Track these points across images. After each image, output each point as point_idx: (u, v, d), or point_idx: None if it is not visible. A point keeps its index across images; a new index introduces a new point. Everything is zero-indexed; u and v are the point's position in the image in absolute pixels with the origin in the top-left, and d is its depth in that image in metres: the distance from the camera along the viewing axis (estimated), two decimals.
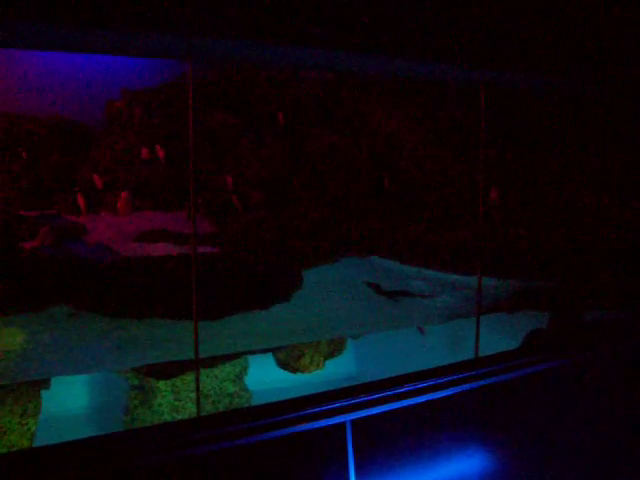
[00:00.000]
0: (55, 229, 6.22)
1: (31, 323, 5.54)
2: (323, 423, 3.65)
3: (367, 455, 3.73)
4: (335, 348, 6.83)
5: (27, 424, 5.67)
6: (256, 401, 6.85)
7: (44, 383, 5.78)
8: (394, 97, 8.90)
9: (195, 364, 5.86)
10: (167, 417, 6.54)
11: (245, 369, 6.77)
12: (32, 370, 5.51)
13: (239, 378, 6.76)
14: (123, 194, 7.34)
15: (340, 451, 3.72)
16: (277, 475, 3.58)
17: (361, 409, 3.70)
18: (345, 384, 4.26)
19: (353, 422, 3.65)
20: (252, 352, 6.17)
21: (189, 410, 6.52)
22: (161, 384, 6.34)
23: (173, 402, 6.47)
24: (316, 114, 8.57)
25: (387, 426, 3.81)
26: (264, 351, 6.40)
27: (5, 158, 7.94)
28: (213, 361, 6.15)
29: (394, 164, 8.43)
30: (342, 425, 3.69)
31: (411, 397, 3.92)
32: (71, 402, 6.54)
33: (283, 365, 6.66)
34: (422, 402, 3.96)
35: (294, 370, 6.63)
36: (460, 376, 4.19)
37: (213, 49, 6.32)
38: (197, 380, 5.11)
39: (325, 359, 6.78)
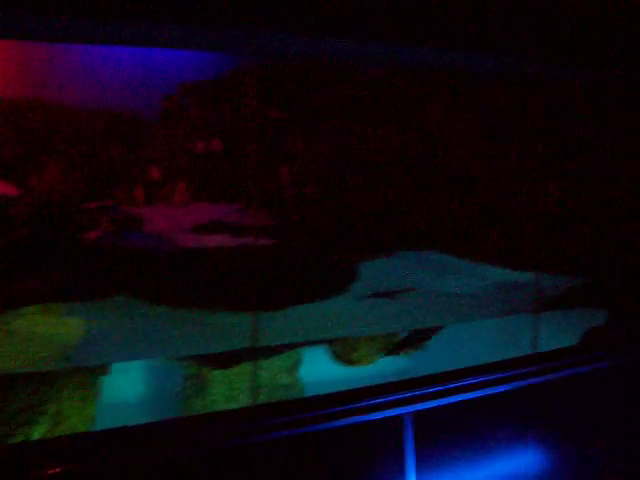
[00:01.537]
0: (115, 220, 6.35)
1: (92, 311, 5.68)
2: (381, 415, 3.64)
3: (425, 448, 3.71)
4: (389, 342, 6.82)
5: (86, 409, 5.81)
6: (309, 393, 6.87)
7: (103, 369, 5.91)
8: (447, 90, 8.81)
9: (252, 354, 5.92)
10: (221, 407, 6.62)
11: (299, 361, 6.80)
12: (92, 356, 5.65)
13: (293, 370, 6.79)
14: (179, 186, 7.44)
15: (398, 444, 3.70)
16: (333, 466, 3.59)
17: (420, 402, 3.68)
18: (397, 379, 4.24)
19: (412, 415, 3.63)
20: (307, 344, 6.20)
21: (243, 401, 6.58)
22: (216, 374, 6.41)
23: (227, 392, 6.54)
24: (368, 108, 8.53)
25: (446, 420, 3.78)
26: (319, 343, 6.43)
27: (65, 151, 8.13)
28: (268, 352, 6.20)
29: (449, 157, 8.35)
30: (401, 418, 3.67)
31: (470, 391, 3.88)
32: (127, 389, 6.67)
33: (337, 357, 6.68)
34: (481, 396, 3.91)
35: (348, 363, 6.63)
36: (519, 371, 4.13)
37: (270, 43, 6.34)
38: (254, 370, 5.16)
39: (379, 353, 6.77)
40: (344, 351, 6.63)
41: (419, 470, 3.70)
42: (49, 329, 5.68)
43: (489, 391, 3.85)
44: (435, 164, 8.25)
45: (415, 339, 7.07)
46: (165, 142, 8.12)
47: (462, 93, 8.69)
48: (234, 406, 6.58)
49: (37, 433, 5.64)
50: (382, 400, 3.62)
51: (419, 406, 3.61)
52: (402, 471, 3.68)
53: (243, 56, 8.50)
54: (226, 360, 5.97)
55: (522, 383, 4.04)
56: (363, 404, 3.70)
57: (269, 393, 6.76)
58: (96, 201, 7.32)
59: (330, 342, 6.61)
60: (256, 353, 6.02)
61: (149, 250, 5.99)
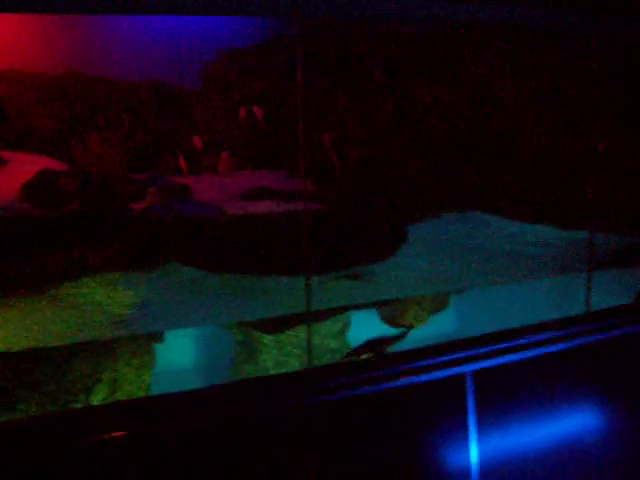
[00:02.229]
0: (162, 189, 6.41)
1: (144, 280, 5.76)
2: (442, 374, 3.63)
3: (486, 407, 3.69)
4: (438, 304, 6.79)
5: (142, 376, 5.93)
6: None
7: (157, 337, 6.01)
8: (498, 49, 8.62)
9: (306, 318, 5.95)
10: (271, 372, 6.69)
11: (347, 325, 6.82)
12: (146, 324, 5.74)
13: (341, 334, 6.82)
14: (223, 154, 7.46)
15: (459, 403, 3.69)
16: (394, 426, 3.59)
17: (481, 360, 3.66)
18: (444, 340, 4.21)
19: (473, 373, 3.61)
20: (356, 307, 6.21)
21: (293, 365, 6.63)
22: (266, 339, 6.47)
23: (277, 357, 6.60)
24: (414, 69, 8.40)
25: (505, 379, 3.75)
26: (368, 306, 6.43)
27: (108, 124, 8.20)
28: (317, 316, 6.22)
29: (497, 118, 8.20)
30: (462, 376, 3.65)
31: (528, 349, 3.84)
32: (180, 356, 6.79)
33: (386, 321, 6.68)
34: (538, 355, 3.87)
35: (397, 326, 6.63)
36: (579, 329, 4.07)
37: (315, 5, 6.26)
38: (309, 333, 5.19)
39: (428, 315, 6.75)
40: (393, 314, 6.63)
41: (480, 429, 3.69)
42: (104, 299, 5.78)
43: (548, 349, 3.81)
44: (484, 124, 8.11)
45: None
46: (208, 111, 8.13)
47: (512, 51, 8.49)
48: (284, 371, 6.64)
49: (95, 399, 5.78)
50: (443, 359, 3.61)
51: (480, 364, 3.59)
52: (465, 430, 3.67)
53: (285, 21, 8.43)
54: (277, 325, 6.02)
55: (581, 341, 3.99)
56: (423, 363, 3.69)
57: (318, 357, 6.80)
58: (142, 172, 7.39)
59: (379, 305, 6.60)
60: (306, 317, 6.04)
61: (198, 219, 6.03)
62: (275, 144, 7.63)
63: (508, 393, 3.75)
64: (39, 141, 8.58)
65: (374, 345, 6.07)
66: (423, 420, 3.63)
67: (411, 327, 6.57)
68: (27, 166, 7.83)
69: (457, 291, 7.06)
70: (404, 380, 3.63)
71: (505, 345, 3.78)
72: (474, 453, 3.68)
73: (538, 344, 3.88)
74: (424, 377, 3.64)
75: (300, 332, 6.47)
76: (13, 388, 5.51)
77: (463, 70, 8.61)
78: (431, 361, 3.66)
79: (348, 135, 7.73)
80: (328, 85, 8.15)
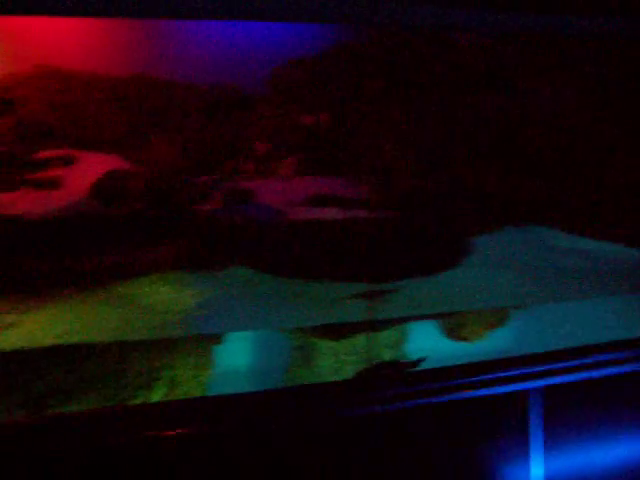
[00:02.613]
0: (226, 193, 6.48)
1: (205, 281, 5.83)
2: (503, 389, 3.56)
3: (549, 426, 3.61)
4: (498, 319, 6.67)
5: (200, 376, 5.98)
6: (415, 368, 6.82)
7: (217, 338, 6.07)
8: (558, 60, 8.46)
9: (361, 327, 5.93)
10: (326, 379, 6.67)
11: (405, 335, 6.75)
12: (206, 325, 5.81)
13: (398, 345, 6.75)
14: (287, 160, 7.50)
15: (520, 419, 3.61)
16: (453, 439, 3.54)
17: (544, 377, 3.57)
18: (502, 355, 4.11)
19: (540, 390, 3.53)
20: (414, 318, 6.15)
21: (348, 373, 6.61)
22: (322, 345, 6.46)
23: (333, 364, 6.58)
24: (473, 79, 8.32)
25: (570, 397, 3.66)
26: (426, 317, 6.37)
27: (174, 127, 8.34)
28: (376, 325, 6.19)
29: (561, 131, 8.04)
30: (525, 393, 3.58)
31: (595, 368, 3.73)
32: (238, 358, 6.82)
33: (445, 333, 6.59)
34: (606, 375, 3.76)
35: (457, 338, 6.54)
36: None
37: (374, 13, 6.24)
38: (362, 343, 5.16)
39: (487, 329, 6.64)
40: (453, 326, 6.54)
41: (543, 447, 3.60)
42: (166, 298, 5.87)
43: (618, 369, 3.70)
44: (548, 137, 7.97)
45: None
46: (272, 116, 8.20)
47: (572, 62, 8.33)
48: (339, 378, 6.62)
49: (154, 397, 5.86)
50: (505, 374, 3.54)
51: (543, 382, 3.51)
52: (525, 447, 3.59)
53: (352, 29, 8.45)
54: (335, 332, 6.01)
55: None
56: (484, 377, 3.63)
57: (374, 367, 6.75)
58: (205, 175, 7.50)
59: (439, 317, 6.53)
60: (365, 326, 6.02)
61: (261, 223, 6.08)
62: (338, 151, 7.64)
63: (573, 412, 3.65)
64: (106, 142, 8.80)
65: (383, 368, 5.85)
66: (481, 434, 3.57)
67: (471, 340, 6.48)
68: (95, 165, 8.03)
69: (518, 306, 6.93)
70: (462, 394, 3.57)
71: (571, 363, 3.68)
72: (536, 472, 3.60)
73: (606, 363, 3.77)
74: (484, 391, 3.58)
75: (357, 340, 6.44)
76: (72, 382, 5.63)
77: (526, 81, 8.48)
78: (492, 376, 3.59)
79: (410, 144, 7.69)
80: (392, 93, 8.13)
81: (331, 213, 6.39)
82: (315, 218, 6.21)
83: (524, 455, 3.59)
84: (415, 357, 6.90)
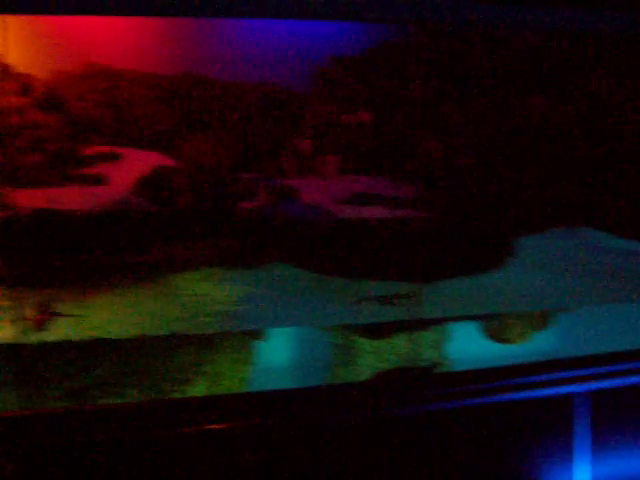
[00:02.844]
0: (271, 190, 6.52)
1: (249, 277, 5.88)
2: (547, 392, 3.51)
3: (596, 430, 3.54)
4: (543, 321, 6.58)
5: (241, 371, 6.03)
6: (455, 369, 6.77)
7: (258, 334, 6.11)
8: (613, 57, 8.29)
9: (403, 326, 5.91)
10: (367, 378, 6.66)
11: (446, 336, 6.70)
12: (248, 321, 5.85)
13: (440, 345, 6.70)
14: (330, 158, 7.51)
15: (564, 423, 3.56)
16: (494, 441, 3.50)
17: (591, 381, 3.51)
18: (546, 358, 4.06)
19: (582, 394, 3.47)
20: (457, 319, 6.11)
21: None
22: (364, 344, 6.45)
23: (374, 363, 6.56)
24: (529, 79, 8.20)
25: (620, 401, 3.59)
26: (470, 318, 6.31)
27: (218, 124, 8.41)
28: (416, 325, 6.16)
29: (612, 133, 7.88)
30: (569, 396, 3.52)
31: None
32: (279, 354, 6.85)
33: (488, 334, 6.53)
34: None
35: (499, 340, 6.47)
36: None
37: (438, 12, 6.20)
38: (403, 343, 5.14)
39: (532, 331, 6.55)
40: (496, 328, 6.47)
41: (584, 449, 3.54)
42: (209, 293, 5.93)
43: None
44: (598, 138, 7.81)
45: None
46: (316, 115, 8.21)
47: (628, 60, 8.15)
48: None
49: (195, 391, 5.93)
50: (549, 377, 3.49)
51: (593, 385, 3.44)
52: (570, 451, 3.53)
53: (398, 27, 8.41)
54: (377, 331, 6.00)
55: None
56: (528, 380, 3.58)
57: (414, 367, 6.72)
58: (250, 173, 7.54)
59: (482, 318, 6.47)
60: (407, 325, 6.00)
61: (305, 221, 6.11)
62: (383, 150, 7.61)
63: (623, 417, 3.58)
64: (153, 138, 8.91)
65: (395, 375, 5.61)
66: (524, 437, 3.52)
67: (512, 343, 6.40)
68: (141, 162, 8.14)
69: (564, 309, 6.82)
70: (504, 395, 3.53)
71: (620, 367, 3.61)
72: (581, 477, 3.53)
73: None
74: (526, 394, 3.53)
75: (398, 340, 6.42)
76: (120, 374, 5.73)
77: (579, 81, 8.33)
78: (535, 378, 3.54)
79: (457, 143, 7.62)
80: (439, 92, 8.07)
81: (375, 212, 6.37)
82: (359, 217, 6.21)
83: (568, 460, 3.54)
84: (456, 358, 6.85)
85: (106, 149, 8.69)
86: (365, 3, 6.27)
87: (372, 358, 6.49)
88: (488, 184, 7.13)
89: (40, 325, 5.55)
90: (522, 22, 6.64)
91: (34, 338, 5.46)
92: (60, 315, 5.67)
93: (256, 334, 6.15)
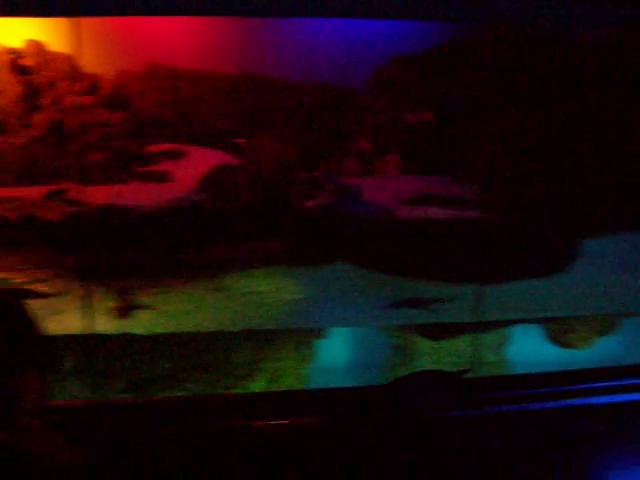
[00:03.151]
0: (332, 189, 6.55)
1: (310, 276, 5.91)
2: (624, 398, 3.44)
3: None
4: (608, 326, 6.43)
5: (301, 369, 6.08)
6: (515, 373, 6.68)
7: (317, 333, 6.14)
8: None
9: (463, 328, 5.86)
10: None
11: (507, 338, 6.62)
12: (309, 320, 5.89)
13: (500, 348, 6.63)
14: (390, 158, 7.50)
15: (631, 431, 3.48)
16: (559, 446, 3.44)
17: None
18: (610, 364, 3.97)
19: None
20: (520, 321, 6.03)
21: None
22: (422, 345, 6.42)
23: (433, 365, 6.53)
24: (592, 75, 8.01)
25: None
26: (532, 321, 6.22)
27: (279, 122, 8.47)
28: (477, 327, 6.10)
29: None
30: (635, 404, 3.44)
31: None
32: (337, 353, 6.88)
33: (550, 338, 6.42)
34: None
35: (562, 344, 6.36)
36: None
37: (494, 11, 6.13)
38: (463, 345, 5.10)
39: (596, 336, 6.42)
40: (558, 332, 6.36)
41: None
42: (270, 291, 5.99)
43: None
44: None
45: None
46: (375, 114, 8.20)
47: None
48: None
49: (255, 387, 6.00)
50: (626, 382, 3.42)
51: None
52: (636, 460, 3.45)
53: (458, 26, 8.34)
54: (436, 332, 5.96)
55: None
56: (601, 385, 3.52)
57: (473, 370, 6.65)
58: (309, 171, 7.59)
59: (544, 321, 6.36)
60: (467, 327, 5.95)
61: (366, 220, 6.11)
62: (442, 149, 7.56)
63: None
64: (214, 137, 9.04)
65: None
66: (597, 444, 3.46)
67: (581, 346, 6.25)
68: (203, 160, 8.27)
69: (629, 314, 6.66)
70: (577, 400, 3.47)
71: None
72: None
73: None
74: (601, 399, 3.47)
75: (458, 341, 6.37)
76: (182, 368, 5.84)
77: None
78: (611, 383, 3.48)
79: (519, 143, 7.51)
80: (500, 91, 7.97)
81: (436, 212, 6.34)
82: (419, 217, 6.18)
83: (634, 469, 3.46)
84: (516, 361, 6.76)
85: (170, 147, 8.86)
86: (427, 2, 6.24)
87: (431, 359, 6.46)
88: (553, 184, 7.01)
89: (123, 315, 5.70)
90: (588, 18, 6.51)
91: (104, 328, 5.60)
92: (141, 307, 5.82)
93: (315, 332, 6.19)
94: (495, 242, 5.89)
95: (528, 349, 6.69)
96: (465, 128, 7.72)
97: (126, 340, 5.82)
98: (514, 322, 6.21)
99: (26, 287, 5.64)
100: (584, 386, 3.76)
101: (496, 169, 7.30)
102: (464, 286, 5.71)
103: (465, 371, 4.69)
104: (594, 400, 3.60)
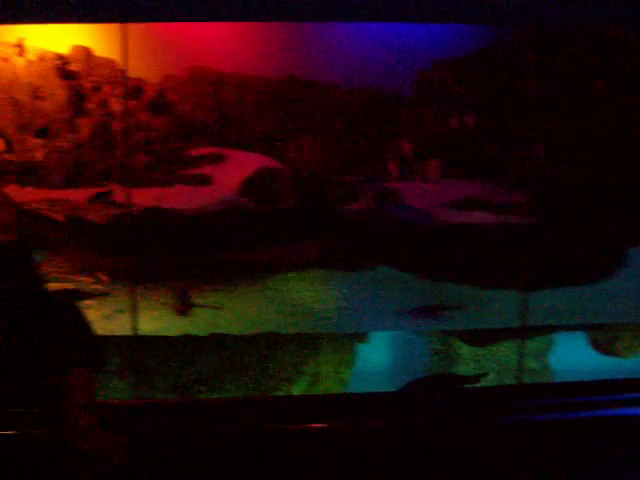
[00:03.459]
0: (375, 193, 6.55)
1: (351, 280, 5.91)
2: None
3: None
4: None
5: (342, 373, 6.08)
6: (557, 380, 6.59)
7: (358, 337, 6.14)
8: None
9: (505, 334, 5.80)
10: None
11: (551, 345, 6.53)
12: (349, 324, 5.89)
13: (543, 354, 6.54)
14: (433, 162, 7.46)
15: None
16: (604, 457, 3.39)
17: None
18: None
19: None
20: (564, 328, 5.95)
21: (489, 380, 6.47)
22: (464, 351, 6.38)
23: (474, 370, 6.47)
24: (635, 79, 7.87)
25: None
26: (577, 328, 6.13)
27: (322, 126, 8.50)
28: (519, 333, 6.02)
29: None
30: None
31: None
32: (378, 358, 6.87)
33: (595, 345, 6.32)
34: None
35: (606, 352, 6.25)
36: None
37: (538, 13, 6.07)
38: (520, 350, 5.06)
39: None
40: (605, 339, 6.25)
41: None
42: (312, 294, 6.01)
43: None
44: None
45: None
46: (418, 118, 8.18)
47: None
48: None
49: (296, 390, 6.02)
50: None
51: None
52: None
53: (501, 29, 8.27)
54: (478, 337, 5.91)
55: None
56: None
57: (516, 376, 6.58)
58: (351, 175, 7.60)
59: (589, 328, 6.26)
60: (510, 333, 5.89)
61: (409, 224, 6.10)
62: (485, 154, 7.49)
63: None
64: (256, 140, 9.11)
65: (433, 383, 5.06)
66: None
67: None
68: (245, 163, 8.34)
69: None
70: (617, 410, 3.42)
71: None
72: None
73: None
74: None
75: (500, 347, 6.31)
76: (224, 370, 5.89)
77: None
78: None
79: (564, 147, 7.40)
80: (545, 94, 7.87)
81: (480, 217, 6.29)
82: (462, 221, 6.14)
83: None
84: (559, 369, 6.66)
85: (212, 150, 8.96)
86: (471, 5, 6.22)
87: (473, 365, 6.41)
88: (601, 191, 6.89)
89: (183, 314, 5.78)
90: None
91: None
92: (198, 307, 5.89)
93: (356, 336, 6.19)
94: (541, 248, 5.81)
95: (571, 356, 6.59)
96: (509, 132, 7.64)
97: (171, 340, 5.89)
98: (559, 328, 6.12)
99: (76, 288, 5.75)
100: (630, 396, 3.70)
101: (542, 174, 7.21)
102: (509, 291, 5.65)
103: (482, 375, 4.63)
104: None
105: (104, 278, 6.06)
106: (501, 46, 8.45)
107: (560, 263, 5.94)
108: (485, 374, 4.81)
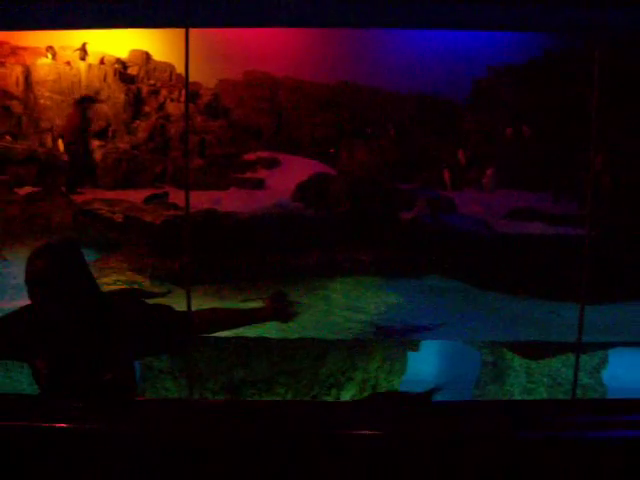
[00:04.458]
0: (430, 201, 6.53)
1: (403, 287, 5.89)
2: None
3: None
4: None
5: (392, 381, 6.05)
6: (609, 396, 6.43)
7: (409, 345, 6.10)
8: None
9: (564, 348, 5.70)
10: (516, 398, 6.48)
11: (604, 362, 6.39)
12: (399, 331, 5.86)
13: (596, 370, 6.40)
14: (488, 171, 7.40)
15: None
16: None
17: None
18: None
19: None
20: (619, 344, 5.81)
21: (541, 395, 6.37)
22: (516, 363, 6.28)
23: (525, 384, 6.38)
24: None
25: None
26: (632, 345, 5.98)
27: (375, 132, 8.53)
28: (574, 347, 5.91)
29: None
30: None
31: None
32: (428, 367, 6.84)
33: None
34: None
35: None
36: None
37: (599, 21, 5.95)
38: (577, 364, 4.95)
39: None
40: None
41: None
42: (362, 300, 6.01)
43: None
44: None
45: None
46: (473, 126, 8.13)
47: None
48: (528, 398, 6.40)
49: (345, 396, 6.01)
50: None
51: None
52: None
53: (560, 36, 8.15)
54: (531, 350, 5.82)
55: None
56: None
57: (567, 392, 6.45)
58: (404, 182, 7.59)
59: None
60: (564, 347, 5.78)
61: (464, 233, 6.05)
62: (542, 163, 7.40)
63: None
64: (310, 145, 9.18)
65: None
66: None
67: None
68: (299, 168, 8.41)
69: None
70: None
71: None
72: None
73: None
74: None
75: (553, 361, 6.20)
76: (275, 373, 5.91)
77: None
78: None
79: (624, 157, 7.25)
80: (606, 103, 7.72)
81: (536, 228, 6.21)
82: (519, 232, 6.07)
83: None
84: (612, 386, 6.51)
85: (267, 155, 9.07)
86: (528, 13, 6.13)
87: (524, 378, 6.31)
88: None
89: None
90: None
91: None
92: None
93: (406, 344, 6.15)
94: (599, 261, 5.69)
95: (625, 373, 6.44)
96: (566, 141, 7.53)
97: (221, 343, 5.94)
98: (615, 345, 5.99)
99: (133, 287, 5.86)
100: None
101: (601, 184, 7.08)
102: (563, 304, 5.56)
103: (433, 392, 4.50)
104: None
105: (159, 277, 6.15)
106: (561, 54, 8.34)
107: (621, 277, 5.81)
108: (437, 389, 4.71)
